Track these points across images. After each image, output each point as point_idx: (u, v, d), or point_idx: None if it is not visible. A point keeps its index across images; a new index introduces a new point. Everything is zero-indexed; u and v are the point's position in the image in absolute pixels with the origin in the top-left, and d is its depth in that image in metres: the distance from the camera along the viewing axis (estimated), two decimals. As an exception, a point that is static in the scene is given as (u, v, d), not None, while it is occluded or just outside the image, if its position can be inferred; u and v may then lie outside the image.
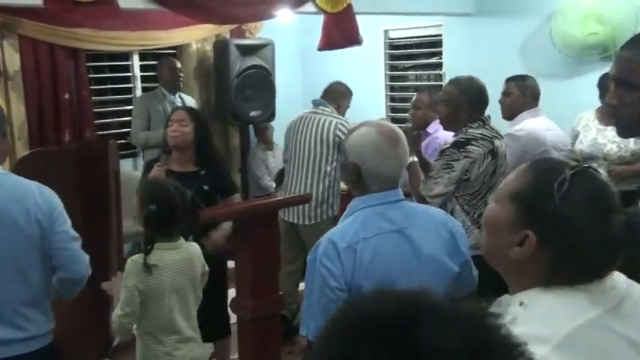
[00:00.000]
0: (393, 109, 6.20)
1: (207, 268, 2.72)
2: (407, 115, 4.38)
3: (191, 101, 5.19)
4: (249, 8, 4.08)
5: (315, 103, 4.33)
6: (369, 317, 0.69)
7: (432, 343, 0.65)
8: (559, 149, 3.73)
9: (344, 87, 4.50)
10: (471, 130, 3.01)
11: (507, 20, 5.10)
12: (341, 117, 4.26)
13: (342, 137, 3.94)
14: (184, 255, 2.58)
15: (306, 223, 4.13)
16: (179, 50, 5.44)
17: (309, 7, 4.26)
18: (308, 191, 4.05)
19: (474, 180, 2.94)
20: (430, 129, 3.94)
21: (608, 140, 3.82)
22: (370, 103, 6.11)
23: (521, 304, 1.13)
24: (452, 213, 2.86)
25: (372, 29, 5.74)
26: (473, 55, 5.21)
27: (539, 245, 1.14)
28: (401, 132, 1.94)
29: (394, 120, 6.01)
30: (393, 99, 6.26)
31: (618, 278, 1.20)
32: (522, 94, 3.79)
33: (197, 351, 2.64)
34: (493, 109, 3.90)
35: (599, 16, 4.44)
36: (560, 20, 4.64)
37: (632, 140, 3.68)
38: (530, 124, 3.71)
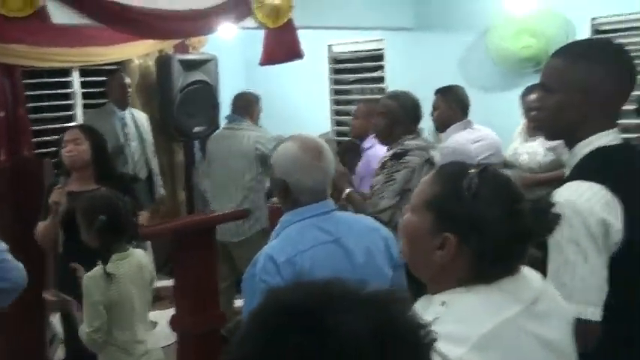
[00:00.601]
0: (338, 123, 6.26)
1: (154, 273, 2.74)
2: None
3: (143, 117, 5.14)
4: (189, 23, 4.07)
5: (230, 119, 4.33)
6: (289, 307, 0.75)
7: (345, 326, 0.71)
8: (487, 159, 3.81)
9: (250, 95, 4.51)
10: (407, 142, 3.13)
11: (445, 35, 5.23)
12: (258, 129, 4.29)
13: (263, 149, 4.00)
14: (136, 262, 2.62)
15: (235, 240, 4.11)
16: (121, 66, 5.38)
17: (251, 22, 4.29)
18: (234, 208, 4.03)
19: (415, 190, 3.01)
20: (366, 144, 3.98)
21: (525, 150, 3.99)
22: (315, 117, 6.16)
23: (442, 303, 1.16)
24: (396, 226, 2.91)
25: (316, 44, 5.80)
26: (414, 68, 5.31)
27: (459, 245, 1.18)
28: (325, 144, 1.97)
29: (339, 133, 6.08)
30: (337, 112, 6.32)
31: (533, 277, 1.25)
32: (449, 107, 3.89)
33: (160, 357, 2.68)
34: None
35: (532, 31, 4.60)
36: (495, 34, 4.78)
37: (541, 152, 3.87)
38: (455, 139, 3.79)
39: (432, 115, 3.94)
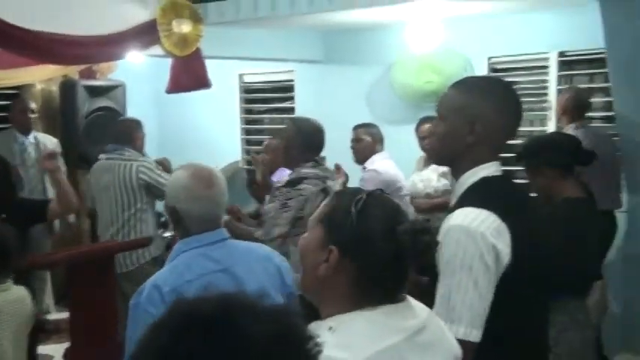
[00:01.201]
0: (249, 152, 6.28)
1: (35, 309, 2.63)
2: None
3: (51, 141, 4.95)
4: (92, 49, 4.00)
5: (109, 149, 4.10)
6: (195, 315, 0.81)
7: (246, 332, 0.79)
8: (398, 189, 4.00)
9: (131, 122, 4.33)
10: (304, 170, 3.11)
11: (353, 68, 5.40)
12: (140, 157, 4.08)
13: (146, 178, 3.90)
14: (15, 296, 2.52)
15: (124, 270, 3.92)
16: (22, 90, 5.20)
17: (159, 49, 4.26)
18: (123, 239, 3.90)
19: (308, 218, 3.02)
20: (274, 177, 3.99)
21: (420, 179, 4.23)
22: (226, 146, 6.16)
23: (329, 328, 1.19)
24: (287, 254, 2.91)
25: (228, 73, 5.83)
26: (322, 100, 5.43)
27: (342, 259, 1.23)
28: (218, 173, 1.98)
29: (250, 162, 6.10)
30: (248, 142, 6.34)
31: (419, 307, 1.30)
32: (373, 140, 4.15)
33: None
34: (342, 152, 4.11)
35: (433, 67, 4.82)
36: (398, 70, 4.98)
37: (434, 178, 4.15)
38: (384, 164, 4.07)
39: (353, 147, 4.18)
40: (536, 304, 1.67)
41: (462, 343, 1.38)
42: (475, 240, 1.50)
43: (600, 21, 3.64)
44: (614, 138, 4.14)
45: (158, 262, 3.69)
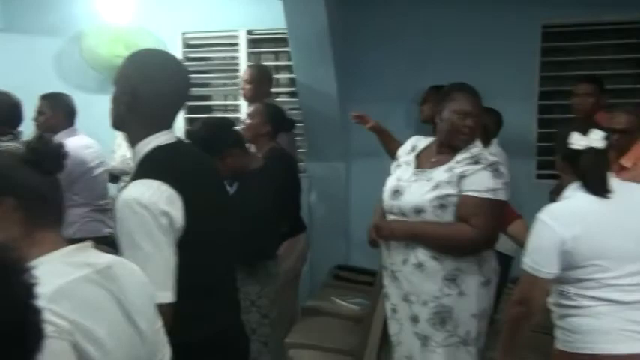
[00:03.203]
0: None
1: None
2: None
3: None
4: None
5: None
6: None
7: None
8: (98, 166, 3.81)
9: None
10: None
11: (38, 38, 5.04)
12: None
13: None
14: None
15: None
16: None
17: None
18: None
19: None
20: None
21: (131, 156, 4.09)
22: None
23: None
24: None
25: None
26: (5, 71, 4.94)
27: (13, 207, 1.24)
28: None
29: None
30: None
31: (107, 253, 1.35)
32: (55, 114, 3.70)
33: None
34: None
35: (125, 41, 4.72)
36: (89, 39, 4.80)
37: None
38: (69, 144, 3.64)
39: (36, 120, 3.67)
40: (214, 261, 1.79)
41: (158, 306, 1.44)
42: (149, 210, 1.57)
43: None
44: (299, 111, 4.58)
45: None
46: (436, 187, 2.40)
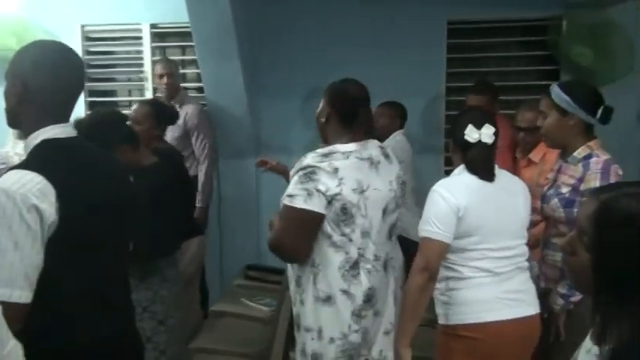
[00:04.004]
0: None
1: None
2: None
3: None
4: None
5: None
6: None
7: None
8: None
9: None
10: None
11: None
12: None
13: None
14: None
15: None
16: None
17: None
18: None
19: None
20: None
21: (15, 152, 3.93)
22: None
23: None
24: None
25: None
26: None
27: None
28: None
29: None
30: None
31: None
32: None
33: None
34: None
35: (18, 33, 4.46)
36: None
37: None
38: None
39: None
40: (99, 261, 1.71)
41: (2, 304, 1.33)
42: (14, 201, 1.50)
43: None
44: (205, 108, 4.44)
45: None
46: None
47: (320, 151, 2.19)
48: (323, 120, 2.29)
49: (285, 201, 2.14)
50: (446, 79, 4.54)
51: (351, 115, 2.24)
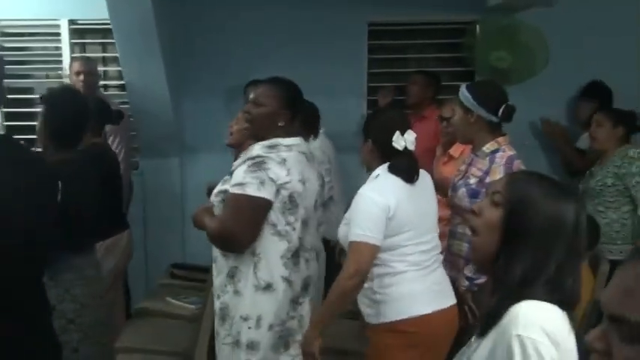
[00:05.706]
0: None
1: None
2: None
3: None
4: None
5: None
6: None
7: None
8: None
9: None
10: None
11: None
12: None
13: None
14: None
15: None
16: None
17: None
18: None
19: None
20: None
21: None
22: None
23: None
24: None
25: None
26: None
27: None
28: None
29: None
30: None
31: None
32: None
33: None
34: None
35: None
36: None
37: None
38: None
39: None
40: (6, 263, 1.69)
41: None
42: None
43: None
44: (126, 105, 4.38)
45: None
46: (224, 182, 2.33)
47: (264, 143, 2.27)
48: (267, 121, 2.31)
49: (235, 190, 2.18)
50: (367, 79, 4.65)
51: (293, 113, 2.34)
